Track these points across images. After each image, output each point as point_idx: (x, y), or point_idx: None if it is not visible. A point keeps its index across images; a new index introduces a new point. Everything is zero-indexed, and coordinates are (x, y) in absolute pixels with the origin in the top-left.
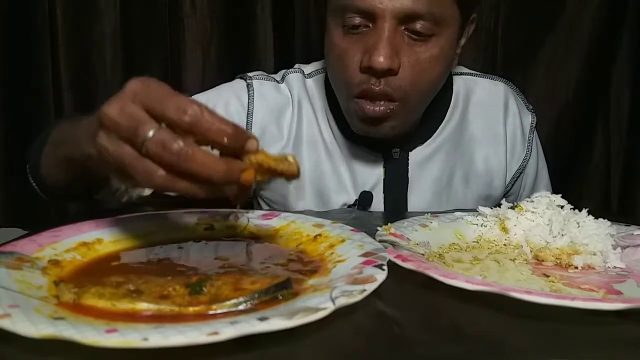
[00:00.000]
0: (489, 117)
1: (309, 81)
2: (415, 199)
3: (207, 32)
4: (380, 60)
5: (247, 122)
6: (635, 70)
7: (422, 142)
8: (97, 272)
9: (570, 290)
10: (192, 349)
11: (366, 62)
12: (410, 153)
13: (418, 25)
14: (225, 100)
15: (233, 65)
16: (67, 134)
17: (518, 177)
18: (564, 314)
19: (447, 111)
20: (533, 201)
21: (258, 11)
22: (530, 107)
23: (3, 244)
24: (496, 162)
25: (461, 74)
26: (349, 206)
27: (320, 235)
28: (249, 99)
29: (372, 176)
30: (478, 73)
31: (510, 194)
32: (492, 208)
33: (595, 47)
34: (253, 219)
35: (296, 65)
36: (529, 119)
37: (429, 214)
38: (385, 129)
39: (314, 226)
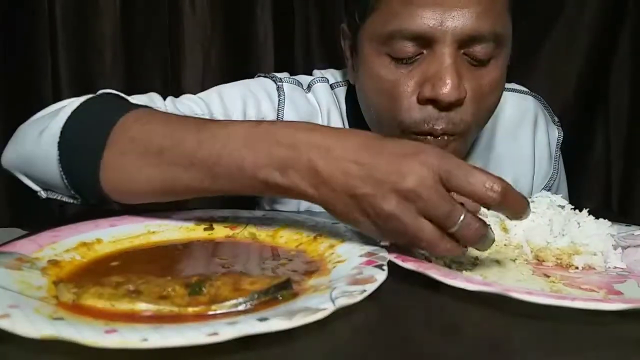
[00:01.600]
0: (518, 136)
1: (333, 93)
2: None
3: (207, 32)
4: (446, 91)
5: None
6: (634, 71)
7: None
8: (97, 272)
9: (571, 291)
10: (191, 349)
11: (428, 93)
12: None
13: (478, 49)
14: (256, 99)
15: (233, 65)
16: (189, 154)
17: None
18: (564, 314)
19: None
20: (534, 201)
21: (258, 11)
22: (556, 120)
23: (2, 244)
24: (523, 184)
25: None
26: None
27: (320, 235)
28: (279, 103)
29: None
30: (506, 87)
31: None
32: None
33: (594, 47)
34: (253, 219)
35: (318, 74)
36: (555, 134)
37: None
38: None
39: (314, 226)
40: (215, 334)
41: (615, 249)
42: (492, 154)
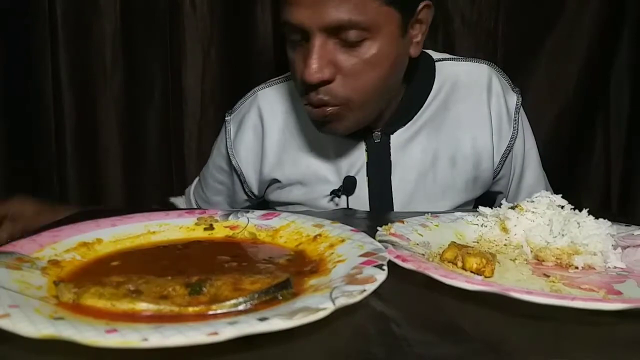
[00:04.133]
0: (472, 98)
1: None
2: (399, 182)
3: (207, 32)
4: (308, 75)
5: (236, 162)
6: (634, 70)
7: (403, 125)
8: (97, 272)
9: (571, 291)
10: (191, 349)
11: (299, 75)
12: (391, 136)
13: (347, 34)
14: (216, 164)
15: (233, 64)
16: None
17: (506, 157)
18: (564, 314)
19: (428, 96)
20: (533, 201)
21: (258, 11)
22: (516, 88)
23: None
24: (483, 143)
25: (444, 59)
26: (333, 192)
27: (320, 235)
28: (226, 142)
29: (355, 161)
30: (462, 57)
31: (501, 176)
32: (482, 193)
33: (594, 47)
34: (253, 219)
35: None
36: (513, 99)
37: (429, 214)
38: (338, 128)
39: (314, 226)
40: (215, 333)
41: (614, 249)
42: (448, 115)
